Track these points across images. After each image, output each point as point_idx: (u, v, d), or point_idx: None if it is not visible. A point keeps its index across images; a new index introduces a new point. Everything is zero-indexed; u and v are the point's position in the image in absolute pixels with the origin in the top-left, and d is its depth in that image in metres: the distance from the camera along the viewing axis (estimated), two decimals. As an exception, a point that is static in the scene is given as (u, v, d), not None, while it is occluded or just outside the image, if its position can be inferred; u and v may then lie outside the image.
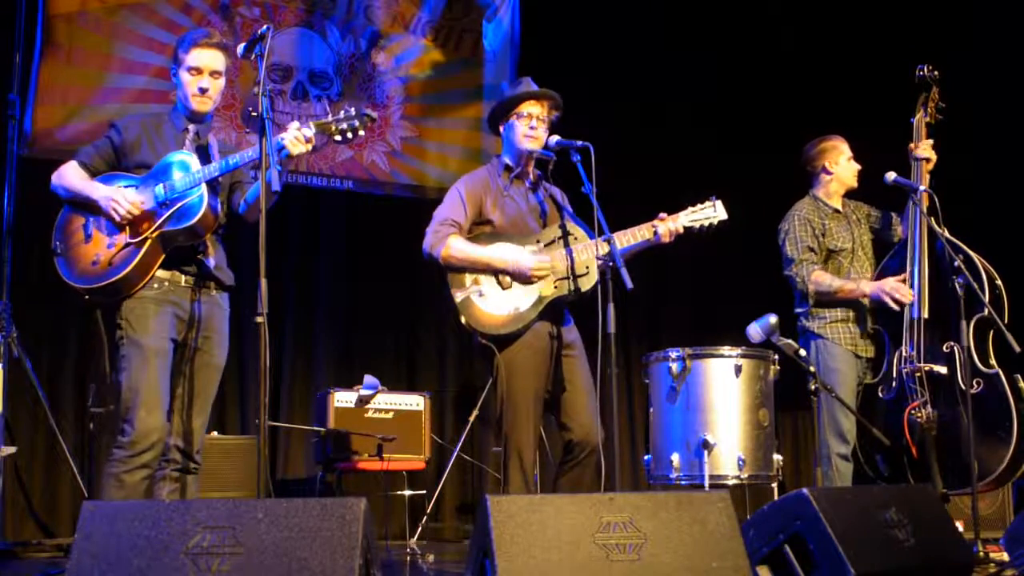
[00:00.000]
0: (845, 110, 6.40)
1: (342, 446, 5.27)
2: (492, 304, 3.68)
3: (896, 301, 4.38)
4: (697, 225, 3.84)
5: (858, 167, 4.70)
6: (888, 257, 4.64)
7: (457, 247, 3.69)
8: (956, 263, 4.14)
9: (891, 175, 4.42)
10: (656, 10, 6.97)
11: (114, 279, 3.27)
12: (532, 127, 3.77)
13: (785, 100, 7.01)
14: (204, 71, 3.44)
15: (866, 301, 4.47)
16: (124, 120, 3.53)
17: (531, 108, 3.79)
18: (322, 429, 5.27)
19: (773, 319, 4.22)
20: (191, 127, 3.48)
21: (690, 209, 3.85)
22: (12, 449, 4.68)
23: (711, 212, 3.84)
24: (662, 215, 3.82)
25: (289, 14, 6.35)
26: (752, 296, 6.29)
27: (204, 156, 3.42)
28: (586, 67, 6.51)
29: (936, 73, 4.68)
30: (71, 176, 3.39)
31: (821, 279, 4.48)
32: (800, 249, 4.53)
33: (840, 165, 4.68)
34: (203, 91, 3.44)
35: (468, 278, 3.71)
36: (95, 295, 3.32)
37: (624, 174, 5.93)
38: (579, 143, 3.62)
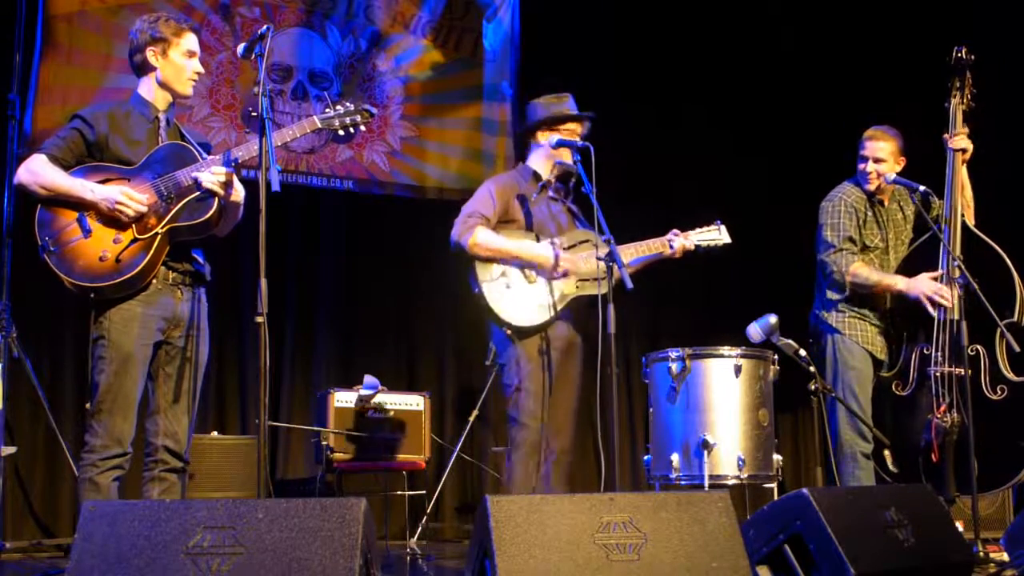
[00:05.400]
0: (842, 110, 6.40)
1: (342, 446, 5.28)
2: (518, 296, 3.85)
3: (934, 304, 4.23)
4: (704, 245, 4.13)
5: (872, 169, 4.41)
6: (917, 243, 4.47)
7: (484, 237, 3.85)
8: (956, 263, 4.13)
9: (891, 175, 4.37)
10: (657, 10, 6.97)
11: (128, 275, 3.19)
12: None
13: (784, 101, 7.01)
14: (195, 55, 3.43)
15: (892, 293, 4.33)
16: (89, 112, 3.38)
17: (573, 126, 4.01)
18: (322, 429, 5.27)
19: (773, 319, 4.22)
20: (161, 116, 3.41)
21: (699, 230, 4.13)
22: (12, 449, 4.68)
23: (716, 235, 4.15)
24: (675, 231, 4.05)
25: (289, 14, 6.35)
26: (752, 296, 6.30)
27: (183, 144, 3.39)
28: (586, 67, 6.51)
29: (972, 57, 4.47)
30: (50, 174, 3.22)
31: (860, 271, 4.33)
32: (841, 238, 4.38)
33: (860, 162, 4.47)
34: (198, 74, 3.45)
35: (496, 269, 3.88)
36: (105, 292, 3.21)
37: (624, 174, 5.93)
38: (579, 143, 3.68)
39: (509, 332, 3.83)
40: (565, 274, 3.85)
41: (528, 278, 3.87)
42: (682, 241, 4.04)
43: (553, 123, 4.00)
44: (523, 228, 3.95)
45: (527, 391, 3.77)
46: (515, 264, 3.87)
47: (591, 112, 4.08)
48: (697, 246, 4.09)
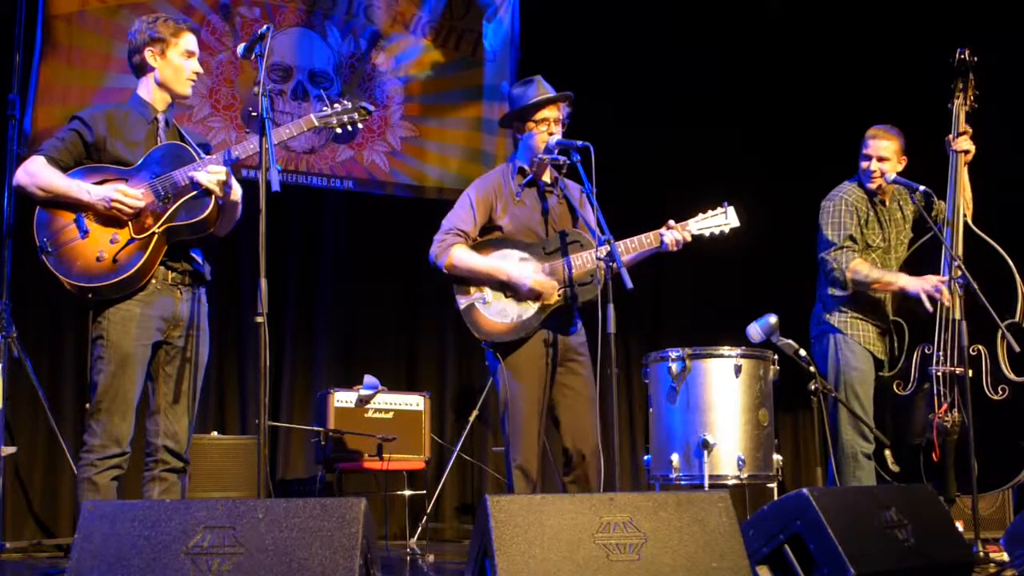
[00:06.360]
0: (843, 110, 6.40)
1: (342, 446, 5.28)
2: (495, 311, 3.73)
3: (932, 300, 4.21)
4: (707, 232, 3.83)
5: (876, 167, 4.39)
6: (919, 244, 4.49)
7: (460, 257, 3.73)
8: (957, 263, 4.13)
9: (891, 175, 4.38)
10: (657, 10, 6.97)
11: (125, 275, 3.19)
12: (551, 133, 3.78)
13: (784, 100, 7.01)
14: (194, 55, 3.42)
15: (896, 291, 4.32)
16: (88, 114, 3.37)
17: (547, 113, 3.79)
18: (322, 429, 5.28)
19: (773, 319, 4.21)
20: (160, 117, 3.41)
21: (700, 216, 3.84)
22: (12, 449, 4.68)
23: (723, 219, 3.84)
24: (671, 222, 3.80)
25: (289, 14, 6.35)
26: (752, 296, 6.31)
27: (181, 144, 3.38)
28: (586, 67, 6.51)
29: (975, 58, 4.47)
30: (48, 176, 3.23)
31: (860, 268, 4.32)
32: (842, 236, 4.37)
33: (863, 160, 4.46)
34: (197, 74, 3.44)
35: (472, 286, 3.76)
36: (102, 293, 3.22)
37: (624, 174, 5.93)
38: (579, 143, 3.62)
39: (492, 348, 3.73)
40: (538, 296, 3.69)
41: (505, 291, 3.74)
42: (675, 235, 3.75)
43: (524, 117, 3.80)
44: (507, 234, 3.80)
45: (511, 409, 3.66)
46: (492, 284, 3.74)
47: (568, 91, 3.84)
48: (698, 236, 3.81)
